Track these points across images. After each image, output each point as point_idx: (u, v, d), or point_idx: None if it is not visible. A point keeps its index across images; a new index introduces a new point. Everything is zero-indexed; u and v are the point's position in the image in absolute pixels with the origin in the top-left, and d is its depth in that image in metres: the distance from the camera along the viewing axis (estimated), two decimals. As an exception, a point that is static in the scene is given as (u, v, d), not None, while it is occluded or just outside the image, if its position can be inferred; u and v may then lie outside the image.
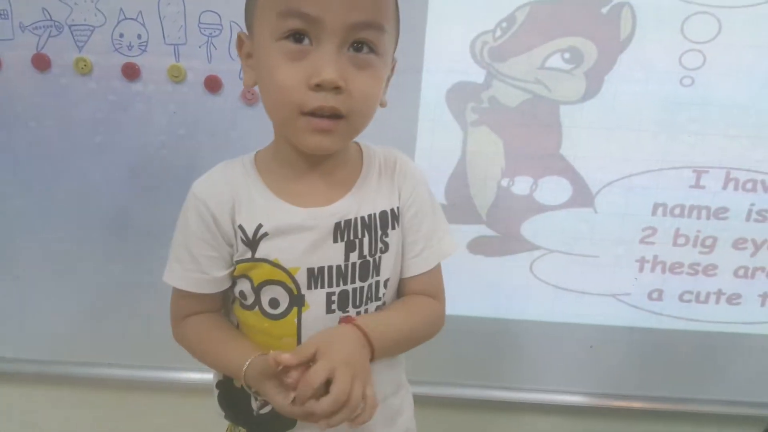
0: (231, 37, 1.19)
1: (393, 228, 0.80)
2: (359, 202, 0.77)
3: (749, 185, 1.30)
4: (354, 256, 0.76)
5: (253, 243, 0.74)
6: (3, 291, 1.35)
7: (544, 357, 1.42)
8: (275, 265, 0.74)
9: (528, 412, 1.48)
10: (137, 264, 1.33)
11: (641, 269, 1.35)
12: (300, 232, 0.74)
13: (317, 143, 0.69)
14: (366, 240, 0.77)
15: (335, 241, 0.75)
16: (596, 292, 1.37)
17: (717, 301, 1.38)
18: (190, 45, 1.19)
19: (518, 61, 1.22)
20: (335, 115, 0.67)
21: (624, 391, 1.45)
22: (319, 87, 0.65)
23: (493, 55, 1.22)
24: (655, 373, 1.44)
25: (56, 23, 1.18)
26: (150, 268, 1.32)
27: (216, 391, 0.85)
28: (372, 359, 0.73)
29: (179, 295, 0.79)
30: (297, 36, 0.66)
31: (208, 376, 1.36)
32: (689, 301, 1.38)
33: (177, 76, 1.20)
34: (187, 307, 0.80)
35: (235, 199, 0.75)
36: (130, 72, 1.20)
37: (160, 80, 1.21)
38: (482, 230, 1.32)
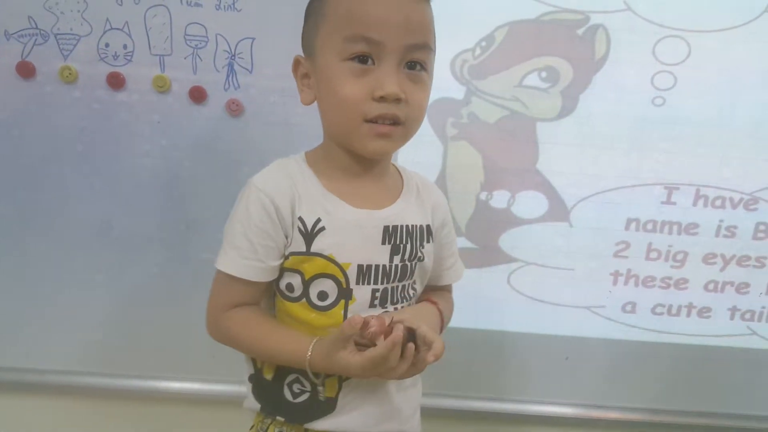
0: (217, 49, 1.21)
1: (428, 242, 0.90)
2: (404, 212, 0.86)
3: (718, 202, 1.34)
4: (397, 259, 0.84)
5: (310, 236, 0.80)
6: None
7: (520, 368, 1.44)
8: (329, 259, 0.80)
9: (506, 423, 1.49)
10: (119, 273, 1.33)
11: (615, 282, 1.39)
12: (354, 230, 0.81)
13: (378, 147, 0.79)
14: (408, 246, 0.85)
15: (383, 243, 0.83)
16: (571, 304, 1.40)
17: (688, 314, 1.42)
18: (176, 56, 1.21)
19: (497, 78, 1.26)
20: (394, 122, 0.77)
21: (599, 401, 1.47)
22: (382, 99, 0.75)
23: (473, 72, 1.25)
24: (629, 384, 1.47)
25: (42, 32, 1.18)
26: (132, 277, 1.32)
27: (249, 385, 0.88)
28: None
29: (229, 283, 0.81)
30: (362, 57, 0.75)
31: (191, 386, 1.39)
32: (661, 313, 1.42)
33: (162, 86, 1.21)
34: (235, 295, 0.82)
35: (295, 192, 0.80)
36: (115, 81, 1.21)
37: (145, 90, 1.22)
38: (462, 242, 1.35)
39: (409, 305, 0.89)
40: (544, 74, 1.26)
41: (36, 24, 1.18)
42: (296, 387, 0.84)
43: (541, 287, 1.38)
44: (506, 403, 1.46)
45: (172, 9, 1.18)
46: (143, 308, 1.34)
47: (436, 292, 0.99)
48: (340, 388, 0.83)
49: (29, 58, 1.20)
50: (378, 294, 0.83)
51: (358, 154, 0.81)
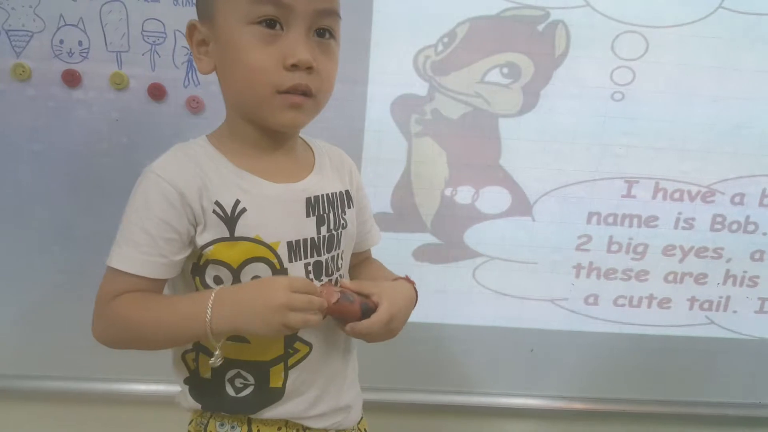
0: (175, 45, 1.19)
1: (349, 207, 0.88)
2: (322, 181, 0.83)
3: (677, 195, 1.37)
4: (324, 230, 0.82)
5: (231, 220, 0.74)
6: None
7: (487, 361, 1.46)
8: (256, 241, 0.75)
9: (474, 416, 1.51)
10: (78, 274, 1.29)
11: (577, 275, 1.41)
12: (277, 206, 0.77)
13: (292, 119, 0.75)
14: (331, 215, 0.83)
15: (308, 215, 0.80)
16: (535, 297, 1.42)
17: (649, 305, 1.45)
18: (133, 52, 1.19)
19: (459, 75, 1.26)
20: (306, 93, 0.73)
21: (564, 392, 1.50)
22: (294, 67, 0.71)
23: (435, 69, 1.26)
24: (592, 374, 1.49)
25: (-8, 28, 1.15)
26: (91, 277, 1.28)
27: (186, 387, 0.83)
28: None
29: (121, 280, 0.73)
30: (270, 22, 0.71)
31: (157, 387, 1.38)
32: (623, 305, 1.45)
33: (119, 83, 1.19)
34: (126, 287, 0.74)
35: (204, 177, 0.74)
36: (71, 78, 1.18)
37: (102, 87, 1.20)
38: (427, 238, 1.35)
39: (340, 277, 0.86)
40: (505, 70, 1.27)
41: (-15, 20, 1.15)
42: (238, 382, 0.80)
43: (505, 281, 1.40)
44: (473, 396, 1.47)
45: (128, 4, 1.16)
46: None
47: (368, 266, 0.99)
48: (286, 377, 0.80)
49: (-21, 55, 1.16)
50: (310, 268, 0.80)
51: (268, 128, 0.76)
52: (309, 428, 0.85)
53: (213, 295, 0.69)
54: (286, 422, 0.83)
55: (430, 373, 1.45)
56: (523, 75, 1.27)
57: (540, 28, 1.25)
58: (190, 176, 0.73)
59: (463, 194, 1.33)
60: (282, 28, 0.71)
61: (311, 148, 0.88)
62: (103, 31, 1.17)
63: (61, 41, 1.17)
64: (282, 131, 0.79)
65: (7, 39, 1.16)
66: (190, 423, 0.86)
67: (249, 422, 0.82)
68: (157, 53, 1.19)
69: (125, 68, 1.19)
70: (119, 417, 1.43)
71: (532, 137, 1.31)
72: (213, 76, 1.16)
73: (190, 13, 1.15)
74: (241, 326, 0.70)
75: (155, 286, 0.75)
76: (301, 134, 0.87)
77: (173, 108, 1.22)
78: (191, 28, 0.77)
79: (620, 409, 1.52)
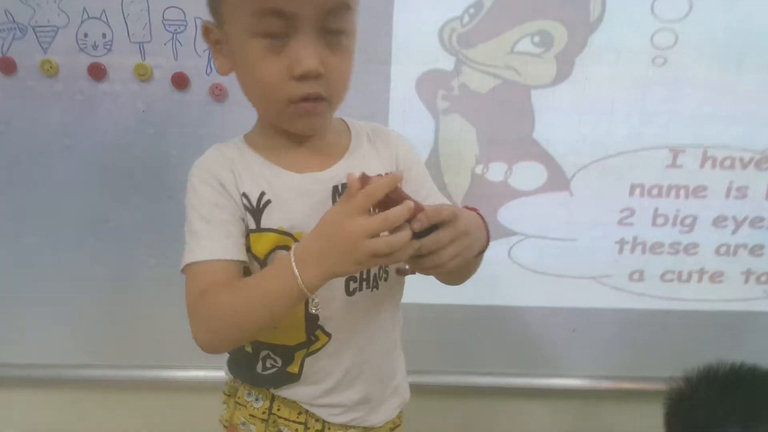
0: (196, 33, 1.18)
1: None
2: (354, 167, 0.77)
3: (727, 162, 1.29)
4: None
5: (257, 211, 0.76)
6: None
7: (527, 342, 1.42)
8: (280, 232, 0.76)
9: (513, 397, 1.48)
10: (117, 264, 1.33)
11: (621, 251, 1.35)
12: (301, 197, 0.76)
13: (306, 126, 0.75)
14: None
15: (334, 203, 0.77)
16: (576, 275, 1.37)
17: (699, 280, 1.38)
18: (155, 42, 1.18)
19: (487, 46, 1.21)
20: (318, 99, 0.71)
21: (609, 372, 1.45)
22: (302, 77, 0.69)
23: (462, 41, 1.20)
24: (640, 353, 1.44)
25: (20, 25, 1.17)
26: (123, 266, 1.32)
27: (227, 355, 0.90)
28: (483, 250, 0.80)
29: (200, 272, 0.73)
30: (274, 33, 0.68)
31: (196, 373, 1.40)
32: (671, 280, 1.38)
33: (143, 74, 1.19)
34: (208, 279, 0.73)
35: (235, 170, 0.76)
36: (97, 72, 1.19)
37: (127, 79, 1.20)
38: (459, 218, 1.31)
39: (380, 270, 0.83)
40: (537, 39, 1.21)
41: (13, 18, 1.16)
42: (269, 362, 0.83)
43: (543, 259, 1.35)
44: (513, 377, 1.44)
45: (148, -7, 1.16)
46: (141, 299, 1.35)
47: None
48: (302, 365, 0.82)
49: (9, 53, 1.18)
50: None
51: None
52: (329, 423, 0.85)
53: (292, 256, 0.67)
54: (306, 411, 0.85)
55: (466, 354, 1.43)
56: (555, 43, 1.21)
57: (573, -9, 1.18)
58: (225, 169, 0.76)
59: (495, 171, 1.29)
60: (288, 35, 0.68)
61: (350, 131, 0.85)
62: (126, 22, 1.17)
63: (86, 35, 1.18)
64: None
65: (35, 35, 1.18)
66: (226, 384, 0.93)
67: (272, 398, 0.86)
68: (179, 42, 1.19)
69: (148, 59, 1.19)
70: (157, 403, 1.47)
71: (568, 108, 1.24)
72: None
73: (209, -1, 1.16)
74: (332, 273, 0.67)
75: (231, 270, 0.74)
76: (358, 118, 0.86)
77: (197, 96, 1.22)
78: (206, 30, 0.76)
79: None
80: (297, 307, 0.76)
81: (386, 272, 0.85)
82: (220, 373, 1.36)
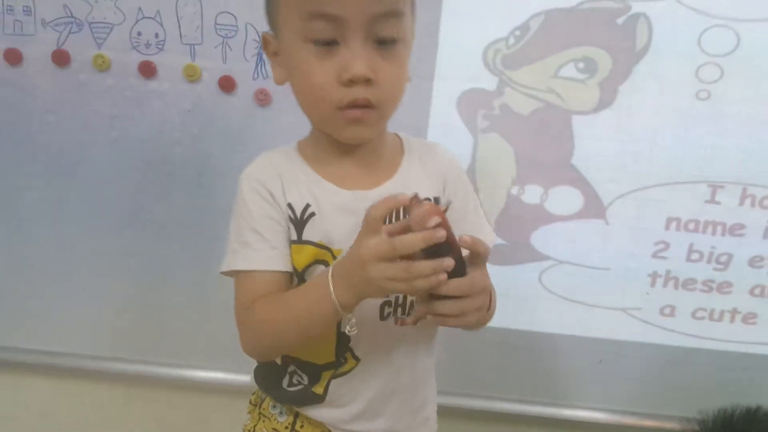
0: (246, 38, 1.21)
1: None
2: (403, 188, 0.75)
3: (767, 202, 1.27)
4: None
5: (300, 223, 0.76)
6: (20, 281, 1.37)
7: (551, 370, 1.40)
8: (320, 246, 0.76)
9: (535, 426, 1.45)
10: (151, 259, 1.34)
11: (653, 284, 1.33)
12: (345, 214, 0.76)
13: (354, 133, 0.74)
14: None
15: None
16: (606, 305, 1.35)
17: (732, 320, 1.35)
18: (206, 45, 1.21)
19: (531, 69, 1.22)
20: (367, 106, 0.70)
21: (634, 408, 1.42)
22: (351, 82, 0.68)
23: (506, 62, 1.21)
24: (665, 391, 1.41)
25: (77, 20, 1.21)
26: (162, 261, 1.34)
27: (255, 364, 0.88)
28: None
29: (248, 281, 0.76)
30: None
31: (216, 375, 1.40)
32: (702, 318, 1.35)
33: (192, 75, 1.22)
34: (257, 290, 0.75)
35: (283, 179, 0.77)
36: (147, 70, 1.22)
37: (176, 79, 1.23)
38: (491, 238, 1.31)
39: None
40: (581, 65, 1.21)
41: (71, 12, 1.20)
42: (295, 378, 0.83)
43: (574, 287, 1.33)
44: (536, 405, 1.42)
45: (203, -2, 1.19)
46: (173, 296, 1.36)
47: None
48: (327, 386, 0.82)
49: (65, 46, 1.22)
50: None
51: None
52: None
53: (330, 270, 0.68)
54: (330, 431, 0.84)
55: (490, 379, 1.41)
56: (600, 70, 1.21)
57: (620, 21, 1.19)
58: (272, 179, 0.77)
59: (531, 193, 1.28)
60: (338, 40, 0.68)
61: (403, 148, 0.84)
62: (179, 23, 1.21)
63: (139, 33, 1.21)
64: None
65: (90, 31, 1.21)
66: (253, 394, 0.93)
67: (296, 414, 0.85)
68: (229, 46, 1.21)
69: (198, 60, 1.22)
70: (176, 402, 1.47)
71: (608, 136, 1.24)
72: None
73: (262, 7, 1.18)
74: (363, 294, 0.67)
75: (278, 280, 0.76)
76: (397, 131, 0.86)
77: (242, 100, 1.24)
78: (265, 42, 0.77)
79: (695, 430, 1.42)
80: (331, 326, 0.76)
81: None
82: (242, 377, 1.37)
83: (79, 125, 1.26)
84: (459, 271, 0.63)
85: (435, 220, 0.60)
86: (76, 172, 1.29)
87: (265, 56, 0.80)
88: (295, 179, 0.77)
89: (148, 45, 1.21)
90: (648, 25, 1.19)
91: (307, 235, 0.76)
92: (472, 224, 0.85)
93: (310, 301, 0.70)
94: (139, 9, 1.20)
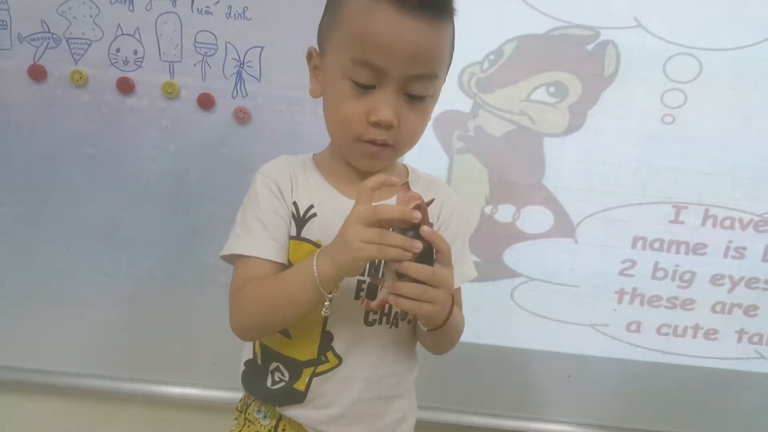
0: (226, 57, 1.22)
1: None
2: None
3: (727, 222, 1.33)
4: None
5: (301, 221, 0.82)
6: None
7: (522, 384, 1.43)
8: (316, 244, 0.81)
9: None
10: (124, 276, 1.33)
11: (620, 300, 1.37)
12: (343, 218, 0.78)
13: (368, 165, 0.82)
14: None
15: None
16: (575, 321, 1.38)
17: (694, 336, 1.40)
18: (185, 63, 1.22)
19: (504, 92, 1.25)
20: (384, 144, 0.78)
21: (602, 421, 1.45)
22: (376, 124, 0.76)
23: (481, 86, 1.25)
24: (633, 404, 1.45)
25: (54, 36, 1.20)
26: (138, 278, 1.33)
27: (243, 368, 0.90)
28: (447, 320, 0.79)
29: (245, 266, 0.81)
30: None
31: (191, 391, 1.39)
32: (667, 334, 1.40)
33: (171, 92, 1.22)
34: (252, 274, 0.81)
35: (294, 180, 0.84)
36: (125, 86, 1.22)
37: (154, 95, 1.23)
38: (465, 256, 1.34)
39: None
40: (552, 89, 1.25)
41: (48, 28, 1.20)
42: (277, 375, 0.86)
43: (545, 303, 1.37)
44: (507, 419, 1.44)
45: (182, 16, 1.19)
46: (146, 312, 1.35)
47: None
48: (309, 383, 0.84)
49: (41, 61, 1.21)
50: (364, 286, 0.83)
51: None
52: None
53: (318, 252, 0.74)
54: None
55: (461, 393, 1.43)
56: (570, 94, 1.26)
57: (589, 47, 1.23)
58: (285, 178, 0.84)
59: (504, 212, 1.32)
60: (374, 85, 0.75)
61: (407, 177, 0.91)
62: (158, 41, 1.21)
63: (118, 50, 1.21)
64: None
65: (68, 46, 1.21)
66: (240, 401, 0.95)
67: (279, 418, 0.88)
68: (208, 64, 1.22)
69: (177, 78, 1.23)
70: (153, 418, 1.46)
71: (578, 157, 1.28)
72: (262, 89, 1.23)
73: (242, 26, 1.20)
74: (339, 265, 0.72)
75: (273, 269, 0.81)
76: (406, 163, 0.93)
77: (221, 118, 1.25)
78: (309, 54, 0.83)
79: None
80: (315, 317, 0.78)
81: (406, 313, 0.84)
82: (218, 393, 1.37)
83: (55, 141, 1.25)
84: (426, 259, 0.70)
85: (416, 203, 0.70)
86: (50, 188, 1.28)
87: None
88: (305, 182, 0.84)
89: (126, 62, 1.22)
90: (616, 52, 1.24)
91: (306, 233, 0.81)
92: (455, 254, 0.86)
93: (296, 278, 0.75)
94: (118, 26, 1.20)
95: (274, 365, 0.86)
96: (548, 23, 1.22)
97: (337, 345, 0.83)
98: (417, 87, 0.76)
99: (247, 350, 0.90)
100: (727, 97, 1.25)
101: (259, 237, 0.81)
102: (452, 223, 0.90)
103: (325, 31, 0.80)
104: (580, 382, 1.42)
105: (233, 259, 0.83)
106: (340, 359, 0.83)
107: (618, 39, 1.23)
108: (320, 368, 0.83)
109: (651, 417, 1.45)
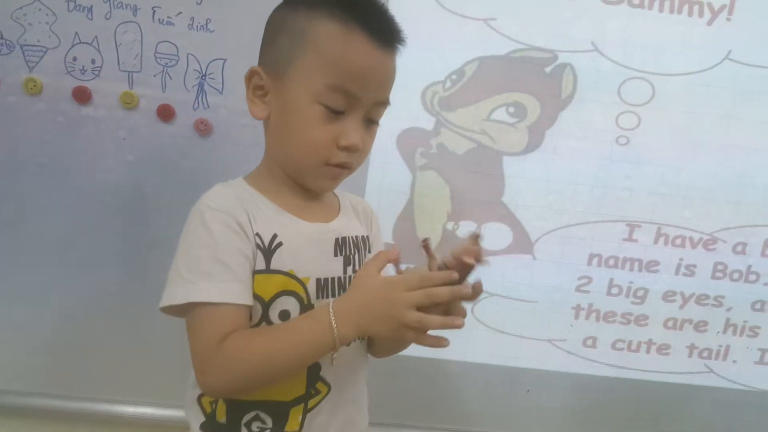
0: (187, 68, 1.20)
1: (369, 251, 0.92)
2: (349, 224, 0.89)
3: (678, 241, 1.37)
4: (350, 270, 0.85)
5: (269, 252, 0.78)
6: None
7: (482, 398, 1.44)
8: (290, 275, 0.78)
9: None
10: (76, 292, 1.29)
11: (577, 316, 1.40)
12: (309, 244, 0.81)
13: (329, 186, 0.85)
14: (357, 257, 0.87)
15: (335, 255, 0.84)
16: (534, 336, 1.40)
17: (648, 351, 1.43)
18: (145, 73, 1.20)
19: (466, 111, 1.27)
20: (346, 167, 0.81)
21: (559, 436, 1.47)
22: (346, 148, 0.78)
23: (443, 104, 1.27)
24: (590, 418, 1.47)
25: (7, 42, 1.17)
26: (89, 296, 1.29)
27: (198, 413, 0.82)
28: None
29: (214, 314, 0.72)
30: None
31: (145, 410, 1.35)
32: (621, 349, 1.43)
33: (129, 102, 1.20)
34: (225, 325, 0.73)
35: (248, 210, 0.78)
36: (81, 95, 1.19)
37: (112, 105, 1.20)
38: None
39: None
40: (511, 109, 1.28)
41: (2, 34, 1.16)
42: (255, 426, 0.79)
43: (504, 318, 1.39)
44: (468, 436, 1.45)
45: (143, 26, 1.18)
46: (99, 329, 1.30)
47: None
48: (303, 419, 0.80)
49: (-8, 68, 1.17)
50: None
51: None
52: None
53: (331, 310, 0.72)
54: None
55: (422, 408, 1.43)
56: (529, 115, 1.28)
57: (548, 70, 1.27)
58: (238, 209, 0.77)
59: (465, 229, 1.33)
60: (343, 112, 0.77)
61: (335, 194, 0.94)
62: (117, 50, 1.19)
63: (75, 58, 1.18)
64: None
65: (21, 53, 1.17)
66: None
67: None
68: (169, 75, 1.20)
69: (136, 88, 1.20)
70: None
71: (536, 176, 1.31)
72: (224, 101, 1.22)
73: (204, 38, 1.19)
74: (366, 331, 0.74)
75: (243, 314, 0.75)
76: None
77: (181, 129, 1.23)
78: (252, 74, 0.81)
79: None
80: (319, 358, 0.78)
81: None
82: (172, 411, 1.32)
83: (6, 149, 1.21)
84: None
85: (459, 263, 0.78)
86: (0, 198, 1.23)
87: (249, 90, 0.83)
88: (258, 210, 0.79)
89: (83, 70, 1.19)
90: (573, 75, 1.27)
91: (275, 264, 0.77)
92: None
93: (304, 336, 0.73)
94: (76, 34, 1.17)
95: (249, 416, 0.78)
96: (509, 45, 1.25)
97: (326, 372, 0.81)
98: (377, 112, 0.81)
99: (193, 410, 0.82)
100: (679, 120, 1.30)
101: (223, 280, 0.73)
102: (377, 234, 0.98)
103: (284, 55, 0.77)
104: (539, 396, 1.44)
105: (185, 309, 0.73)
106: (329, 386, 0.82)
107: (575, 62, 1.27)
108: (311, 402, 0.81)
109: (607, 431, 1.48)
